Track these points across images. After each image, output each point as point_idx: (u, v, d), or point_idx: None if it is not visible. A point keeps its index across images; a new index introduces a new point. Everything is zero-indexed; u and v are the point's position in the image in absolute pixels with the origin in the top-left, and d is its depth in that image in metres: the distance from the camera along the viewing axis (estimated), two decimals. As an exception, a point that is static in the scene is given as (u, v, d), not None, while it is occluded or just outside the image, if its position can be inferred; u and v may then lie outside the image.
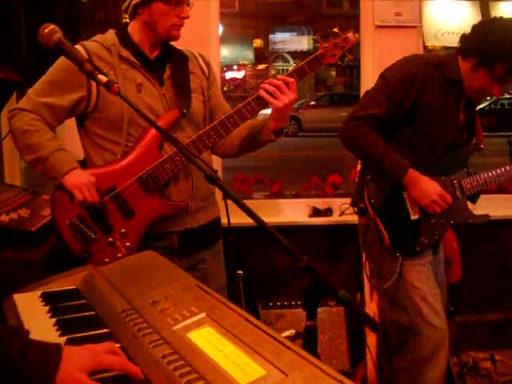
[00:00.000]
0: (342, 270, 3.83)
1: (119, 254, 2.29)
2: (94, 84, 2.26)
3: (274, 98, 2.24)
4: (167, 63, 2.41)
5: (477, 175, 2.75)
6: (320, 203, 3.96)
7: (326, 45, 2.32)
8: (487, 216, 2.80)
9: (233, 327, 1.20)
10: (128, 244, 2.30)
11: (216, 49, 3.67)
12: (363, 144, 2.65)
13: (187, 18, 2.33)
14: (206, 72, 2.54)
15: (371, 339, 3.23)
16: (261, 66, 19.81)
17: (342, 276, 3.82)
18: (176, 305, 1.35)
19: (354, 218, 3.74)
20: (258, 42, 18.20)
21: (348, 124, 2.69)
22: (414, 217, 2.70)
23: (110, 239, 2.30)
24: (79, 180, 2.22)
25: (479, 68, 2.58)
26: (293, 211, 3.92)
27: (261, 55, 19.59)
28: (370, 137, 2.64)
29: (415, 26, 3.64)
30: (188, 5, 2.33)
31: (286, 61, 20.97)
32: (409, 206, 2.69)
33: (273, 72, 20.18)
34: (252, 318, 1.24)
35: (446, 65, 2.70)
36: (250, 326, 1.20)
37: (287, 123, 2.40)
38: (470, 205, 2.84)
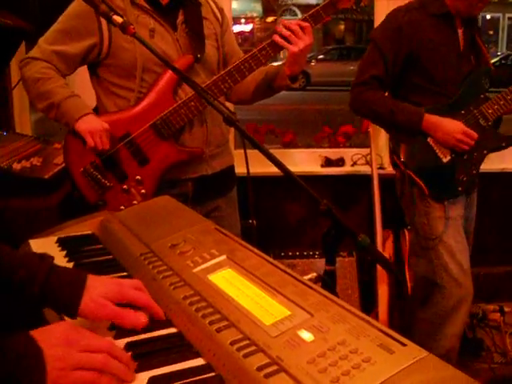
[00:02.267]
0: (354, 220, 3.82)
1: (134, 202, 2.28)
2: (105, 30, 2.24)
3: (290, 42, 2.20)
4: (180, 9, 2.36)
5: (494, 97, 2.68)
6: (332, 153, 3.93)
7: None
8: None
9: (255, 269, 1.18)
10: (143, 191, 2.29)
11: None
12: (372, 106, 2.67)
13: None
14: (220, 18, 2.50)
15: (383, 289, 3.23)
16: (269, 19, 19.52)
17: (354, 226, 3.80)
18: (195, 248, 1.33)
19: (366, 169, 3.73)
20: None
21: (353, 93, 2.72)
22: (445, 159, 2.66)
23: (125, 186, 2.29)
24: (91, 126, 2.20)
25: None
26: (305, 161, 3.90)
27: (269, 8, 19.28)
28: (376, 97, 2.66)
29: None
30: None
31: (295, 14, 20.65)
32: (437, 151, 2.65)
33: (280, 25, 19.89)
34: (273, 261, 1.22)
35: (429, 3, 2.68)
36: (272, 268, 1.18)
37: (302, 69, 2.36)
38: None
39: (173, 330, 1.09)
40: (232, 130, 2.82)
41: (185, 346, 1.04)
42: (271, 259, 1.23)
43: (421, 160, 2.66)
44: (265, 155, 1.44)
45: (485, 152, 2.70)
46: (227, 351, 0.95)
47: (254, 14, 19.37)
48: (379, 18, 3.67)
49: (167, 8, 2.34)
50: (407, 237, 3.43)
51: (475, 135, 2.62)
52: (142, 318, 1.08)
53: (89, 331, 0.99)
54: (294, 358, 0.89)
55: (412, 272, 3.15)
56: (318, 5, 2.30)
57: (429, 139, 2.64)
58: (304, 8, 18.73)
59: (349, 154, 3.91)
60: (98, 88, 2.37)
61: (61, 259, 1.46)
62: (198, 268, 1.23)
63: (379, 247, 3.37)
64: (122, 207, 2.25)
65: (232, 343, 0.95)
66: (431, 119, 2.60)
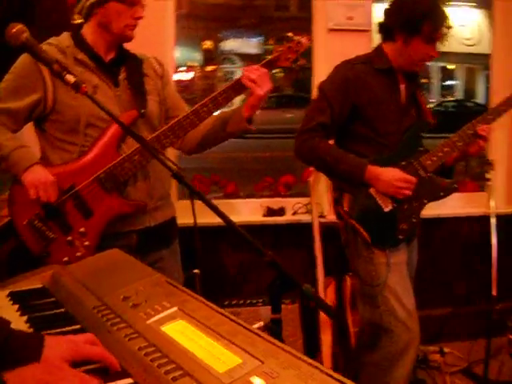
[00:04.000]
0: (296, 268, 3.90)
1: (78, 254, 2.31)
2: (49, 86, 2.29)
3: (257, 85, 2.31)
4: (122, 66, 2.44)
5: (433, 149, 2.81)
6: (273, 203, 4.03)
7: (281, 48, 2.40)
8: (455, 187, 2.89)
9: (206, 319, 1.23)
10: (87, 243, 2.32)
11: (171, 49, 3.70)
12: (318, 153, 2.73)
13: (141, 18, 2.38)
14: (160, 73, 2.59)
15: (326, 335, 3.31)
16: (209, 68, 19.76)
17: (296, 274, 3.88)
18: (147, 300, 1.37)
19: (307, 218, 3.84)
20: (208, 44, 18.18)
21: (299, 139, 2.78)
22: (387, 209, 2.76)
23: (69, 238, 2.31)
24: (36, 178, 2.24)
25: (411, 39, 2.69)
26: (247, 211, 3.98)
27: (209, 57, 19.56)
28: (322, 145, 2.74)
29: (366, 30, 3.76)
30: (142, 6, 2.37)
31: (234, 63, 20.99)
32: (379, 200, 2.75)
33: (219, 74, 20.17)
34: (223, 311, 1.27)
35: (374, 58, 2.83)
36: (223, 318, 1.24)
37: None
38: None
39: (129, 381, 1.12)
40: (173, 181, 2.88)
41: (142, 396, 1.08)
42: (221, 310, 1.29)
43: (363, 210, 2.76)
44: (211, 209, 1.52)
45: (424, 201, 2.83)
46: (184, 399, 0.99)
47: (195, 64, 19.58)
48: (318, 71, 3.85)
49: (110, 65, 2.42)
50: (348, 283, 3.53)
51: (414, 180, 2.73)
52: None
53: (62, 371, 1.03)
54: (247, 404, 0.95)
55: (355, 317, 3.24)
56: (257, 54, 2.42)
57: (371, 189, 2.74)
58: (244, 57, 19.04)
59: (290, 203, 4.02)
60: (44, 142, 2.41)
61: (13, 313, 1.48)
62: (151, 320, 1.28)
63: (321, 294, 3.45)
64: (66, 259, 2.29)
65: (188, 391, 1.00)
66: (373, 169, 2.71)
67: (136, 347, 1.17)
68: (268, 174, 4.49)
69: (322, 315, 3.31)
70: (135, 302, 1.37)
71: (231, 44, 18.59)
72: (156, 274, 1.56)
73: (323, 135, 2.75)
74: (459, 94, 21.78)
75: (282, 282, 1.49)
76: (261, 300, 3.57)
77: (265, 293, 3.50)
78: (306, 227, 3.75)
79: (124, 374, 1.14)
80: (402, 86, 2.85)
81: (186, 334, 1.20)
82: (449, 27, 2.70)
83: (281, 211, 3.99)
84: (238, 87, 2.36)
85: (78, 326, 1.38)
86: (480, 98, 20.66)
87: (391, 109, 2.79)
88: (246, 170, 8.76)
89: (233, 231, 1.50)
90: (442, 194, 2.86)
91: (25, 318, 1.45)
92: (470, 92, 21.19)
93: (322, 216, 3.86)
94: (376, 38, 3.00)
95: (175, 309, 1.31)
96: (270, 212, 3.97)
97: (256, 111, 2.43)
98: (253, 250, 1.45)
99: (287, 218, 3.98)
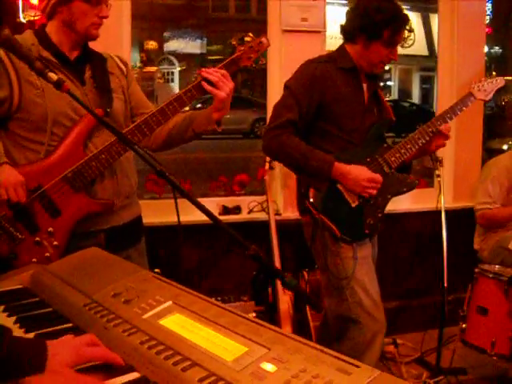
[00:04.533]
0: (254, 265, 3.93)
1: (47, 254, 2.28)
2: (15, 84, 2.26)
3: (217, 88, 2.32)
4: (87, 64, 2.43)
5: (396, 146, 2.90)
6: (229, 202, 4.07)
7: (243, 48, 2.43)
8: (417, 183, 3.01)
9: (203, 312, 1.26)
10: (55, 243, 2.29)
11: (127, 49, 3.68)
12: (286, 149, 2.77)
13: (106, 17, 2.38)
14: (125, 71, 2.59)
15: (286, 327, 3.35)
16: (151, 69, 19.59)
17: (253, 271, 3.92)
18: (139, 295, 1.38)
19: (262, 216, 3.88)
20: (152, 45, 18.02)
21: (267, 136, 2.82)
22: (354, 204, 2.82)
23: (37, 239, 2.28)
24: (5, 179, 2.20)
25: (371, 43, 2.79)
26: (203, 210, 3.98)
27: (149, 58, 19.39)
28: (291, 141, 2.77)
29: (319, 31, 3.83)
30: (107, 5, 2.37)
31: (172, 63, 20.87)
32: (347, 196, 2.81)
33: (159, 75, 20.01)
34: (220, 303, 1.30)
35: (338, 57, 2.90)
36: (220, 310, 1.26)
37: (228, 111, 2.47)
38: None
39: (136, 375, 1.13)
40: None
41: (154, 389, 1.08)
42: (217, 302, 1.31)
43: (332, 204, 2.81)
44: (195, 205, 1.54)
45: (388, 196, 2.91)
46: (197, 388, 1.01)
47: (138, 64, 19.37)
48: (272, 71, 3.90)
49: (75, 63, 2.40)
50: (306, 278, 3.59)
51: (380, 179, 2.80)
52: None
53: (65, 378, 1.04)
54: (262, 388, 0.97)
55: (314, 312, 3.31)
56: (202, 54, 2.44)
57: (338, 185, 2.80)
58: (184, 57, 18.91)
59: (245, 201, 4.06)
60: (7, 141, 2.36)
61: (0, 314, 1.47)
62: (147, 314, 1.29)
63: (279, 290, 3.49)
64: (34, 259, 2.25)
65: (200, 380, 1.02)
66: (340, 167, 2.76)
67: (137, 341, 1.19)
68: (221, 174, 4.52)
69: (282, 308, 3.35)
70: (127, 297, 1.38)
71: (175, 45, 18.48)
72: (142, 270, 1.57)
73: (292, 132, 2.78)
74: (394, 95, 22.29)
75: (266, 275, 1.52)
76: (219, 298, 3.59)
77: (223, 290, 3.53)
78: (262, 225, 3.79)
79: (128, 369, 1.15)
80: (365, 85, 2.92)
81: (186, 326, 1.22)
82: (410, 30, 2.80)
83: (236, 210, 4.03)
84: (201, 87, 2.38)
85: (69, 325, 1.39)
86: (415, 98, 21.24)
87: (355, 106, 2.86)
88: (198, 171, 8.74)
89: (217, 226, 1.54)
90: (405, 189, 2.96)
91: (13, 318, 1.44)
92: (405, 92, 21.72)
93: (277, 214, 3.92)
94: (330, 40, 3.07)
95: (170, 303, 1.33)
96: (226, 211, 4.00)
97: (225, 112, 2.43)
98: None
99: (243, 216, 4.02)
